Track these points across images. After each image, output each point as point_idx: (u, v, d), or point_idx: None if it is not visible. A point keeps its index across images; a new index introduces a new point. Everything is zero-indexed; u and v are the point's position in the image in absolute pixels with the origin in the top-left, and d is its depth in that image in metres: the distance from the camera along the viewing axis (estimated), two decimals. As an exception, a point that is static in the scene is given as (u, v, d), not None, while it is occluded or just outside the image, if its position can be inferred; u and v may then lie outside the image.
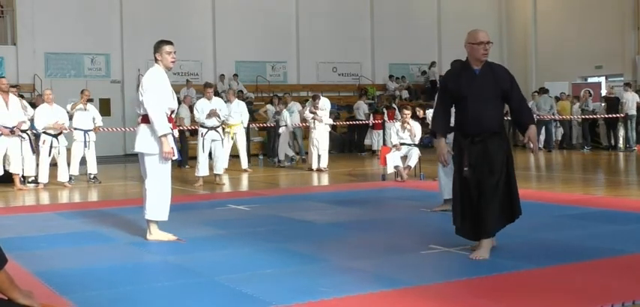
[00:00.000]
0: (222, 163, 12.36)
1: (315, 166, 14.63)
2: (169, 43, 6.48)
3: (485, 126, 5.36)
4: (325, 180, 13.23)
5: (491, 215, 5.29)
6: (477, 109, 5.34)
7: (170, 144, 6.34)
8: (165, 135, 6.27)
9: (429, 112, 11.80)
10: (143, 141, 6.41)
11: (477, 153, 5.34)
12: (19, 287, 3.18)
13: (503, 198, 5.34)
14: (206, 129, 12.01)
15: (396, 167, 11.69)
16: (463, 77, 5.48)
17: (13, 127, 11.56)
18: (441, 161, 5.64)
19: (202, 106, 12.24)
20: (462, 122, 5.46)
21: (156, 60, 6.46)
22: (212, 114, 12.00)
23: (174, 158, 6.47)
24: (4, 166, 11.72)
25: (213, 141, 12.04)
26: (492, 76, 5.45)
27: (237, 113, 14.67)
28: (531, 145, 5.50)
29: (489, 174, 5.29)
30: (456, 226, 5.51)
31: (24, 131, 11.90)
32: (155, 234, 6.43)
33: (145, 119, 6.39)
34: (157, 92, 6.31)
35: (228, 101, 14.80)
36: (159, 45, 6.46)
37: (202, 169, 11.92)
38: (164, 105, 6.35)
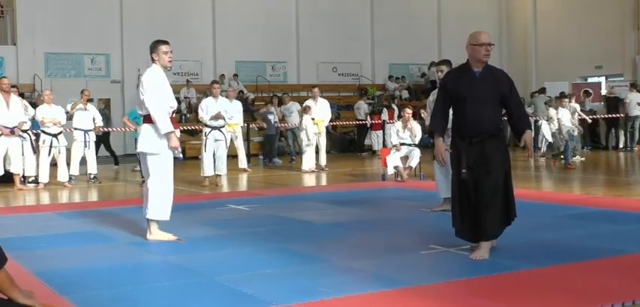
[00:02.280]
0: (224, 163, 12.31)
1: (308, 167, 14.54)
2: (165, 42, 6.50)
3: (483, 128, 5.35)
4: (325, 180, 13.23)
5: (490, 217, 5.29)
6: (475, 111, 5.32)
7: (177, 139, 6.37)
8: (169, 133, 6.29)
9: None
10: (145, 141, 6.41)
11: (475, 155, 5.33)
12: (20, 287, 3.18)
13: (501, 200, 5.35)
14: (210, 129, 11.96)
15: (395, 167, 11.69)
16: (463, 79, 5.44)
17: (14, 127, 11.56)
18: (438, 160, 5.64)
19: (208, 105, 12.15)
20: (460, 124, 5.44)
21: (152, 60, 6.48)
22: (218, 116, 11.96)
23: (180, 155, 6.50)
24: (4, 166, 11.72)
25: (216, 140, 11.98)
26: (492, 78, 5.45)
27: (238, 112, 14.65)
28: (529, 150, 5.56)
29: (487, 176, 5.29)
30: (456, 228, 5.51)
31: (25, 131, 11.92)
32: (155, 234, 6.43)
33: (148, 119, 6.39)
34: (157, 91, 6.33)
35: (227, 99, 14.80)
36: (155, 45, 6.48)
37: (207, 169, 11.91)
38: (165, 104, 6.37)
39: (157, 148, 6.37)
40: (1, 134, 11.51)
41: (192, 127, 18.37)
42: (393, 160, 11.68)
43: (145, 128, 6.44)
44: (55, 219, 8.17)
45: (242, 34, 23.21)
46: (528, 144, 5.47)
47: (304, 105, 14.95)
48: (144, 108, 6.38)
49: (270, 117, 17.22)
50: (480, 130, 5.35)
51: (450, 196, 7.93)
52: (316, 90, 15.30)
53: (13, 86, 12.81)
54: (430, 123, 5.82)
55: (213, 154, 12.00)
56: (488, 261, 5.23)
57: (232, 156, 14.83)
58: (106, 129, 15.94)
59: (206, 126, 11.99)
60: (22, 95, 13.71)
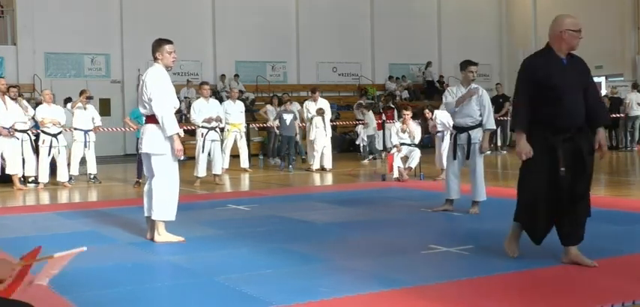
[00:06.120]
0: (220, 163, 12.35)
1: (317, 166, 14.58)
2: (169, 42, 6.42)
3: (578, 121, 4.91)
4: (325, 180, 13.22)
5: (574, 221, 4.96)
6: (572, 102, 4.86)
7: (180, 142, 6.36)
8: (174, 135, 6.27)
9: (438, 112, 11.82)
10: (150, 142, 6.36)
11: (570, 152, 4.86)
12: None
13: (586, 202, 5.04)
14: (206, 130, 11.99)
15: (397, 167, 11.70)
16: (551, 66, 4.96)
17: (10, 128, 11.55)
18: (521, 158, 4.96)
19: (200, 107, 12.17)
20: (552, 116, 4.89)
21: (155, 59, 6.40)
22: (210, 120, 11.98)
23: (182, 157, 6.49)
24: (2, 168, 11.72)
25: (212, 141, 12.04)
26: (577, 67, 5.04)
27: (240, 113, 14.66)
28: (602, 151, 5.07)
29: (582, 175, 4.91)
30: (538, 237, 5.07)
31: (25, 131, 11.92)
32: (163, 236, 6.39)
33: (151, 119, 6.35)
34: (163, 91, 6.27)
35: (230, 99, 14.80)
36: (159, 44, 6.37)
37: (201, 170, 11.93)
38: (171, 104, 6.35)
39: (162, 149, 6.32)
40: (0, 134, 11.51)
41: (193, 127, 18.35)
42: (396, 161, 11.70)
43: (150, 128, 6.37)
44: (55, 219, 8.17)
45: (242, 34, 23.20)
46: (602, 144, 5.03)
47: (316, 108, 14.91)
48: (148, 108, 6.33)
49: (287, 116, 15.65)
50: (575, 123, 4.89)
51: (456, 198, 7.93)
52: (317, 93, 15.32)
53: (13, 86, 12.81)
54: (513, 119, 5.08)
55: (209, 154, 12.06)
56: (488, 261, 5.23)
57: (234, 156, 14.84)
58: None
59: (200, 126, 12.01)
60: (20, 95, 13.70)
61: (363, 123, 18.26)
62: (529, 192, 5.01)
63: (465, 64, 7.86)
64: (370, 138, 17.74)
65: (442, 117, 11.47)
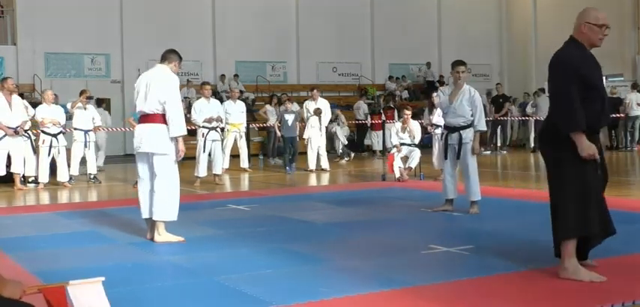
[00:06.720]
0: (220, 163, 12.36)
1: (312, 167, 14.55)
2: (181, 58, 6.61)
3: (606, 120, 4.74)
4: (325, 180, 13.23)
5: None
6: (606, 100, 4.62)
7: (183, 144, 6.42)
8: (181, 136, 6.33)
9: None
10: (153, 141, 6.36)
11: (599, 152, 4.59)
12: (4, 277, 3.05)
13: None
14: (207, 130, 12.02)
15: (397, 167, 11.70)
16: (588, 63, 4.57)
17: (17, 127, 11.58)
18: (596, 157, 4.49)
19: (201, 107, 12.20)
20: (593, 115, 4.50)
21: (163, 62, 6.48)
22: (211, 120, 12.01)
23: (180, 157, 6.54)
24: (6, 166, 11.73)
25: (213, 141, 12.07)
26: (597, 63, 4.68)
27: (241, 113, 14.66)
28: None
29: (605, 176, 4.80)
30: (597, 229, 4.70)
31: (25, 131, 11.92)
32: (164, 236, 6.39)
33: (155, 118, 6.35)
34: (178, 94, 6.40)
35: (231, 99, 14.81)
36: (176, 55, 6.54)
37: (202, 170, 11.94)
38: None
39: (165, 149, 6.34)
40: (5, 134, 11.52)
41: (193, 127, 18.37)
42: (397, 161, 11.70)
43: (151, 128, 6.37)
44: (55, 219, 8.17)
45: (242, 34, 23.20)
46: (602, 145, 4.86)
47: (314, 107, 14.91)
48: (148, 105, 6.32)
49: (289, 117, 15.08)
50: (605, 123, 4.71)
51: (454, 197, 7.93)
52: (316, 91, 15.31)
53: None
54: (570, 120, 4.47)
55: (209, 154, 12.08)
56: (488, 261, 5.23)
57: (234, 156, 14.84)
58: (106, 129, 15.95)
59: (201, 126, 12.03)
60: (21, 95, 13.71)
61: (340, 124, 18.81)
62: (596, 196, 4.65)
63: (454, 64, 7.97)
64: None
65: None
